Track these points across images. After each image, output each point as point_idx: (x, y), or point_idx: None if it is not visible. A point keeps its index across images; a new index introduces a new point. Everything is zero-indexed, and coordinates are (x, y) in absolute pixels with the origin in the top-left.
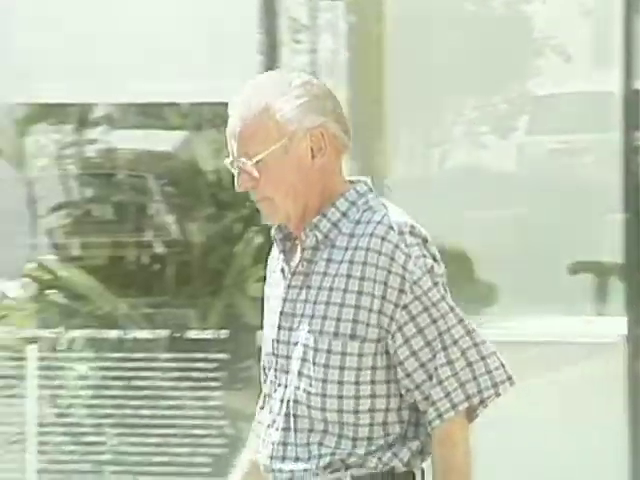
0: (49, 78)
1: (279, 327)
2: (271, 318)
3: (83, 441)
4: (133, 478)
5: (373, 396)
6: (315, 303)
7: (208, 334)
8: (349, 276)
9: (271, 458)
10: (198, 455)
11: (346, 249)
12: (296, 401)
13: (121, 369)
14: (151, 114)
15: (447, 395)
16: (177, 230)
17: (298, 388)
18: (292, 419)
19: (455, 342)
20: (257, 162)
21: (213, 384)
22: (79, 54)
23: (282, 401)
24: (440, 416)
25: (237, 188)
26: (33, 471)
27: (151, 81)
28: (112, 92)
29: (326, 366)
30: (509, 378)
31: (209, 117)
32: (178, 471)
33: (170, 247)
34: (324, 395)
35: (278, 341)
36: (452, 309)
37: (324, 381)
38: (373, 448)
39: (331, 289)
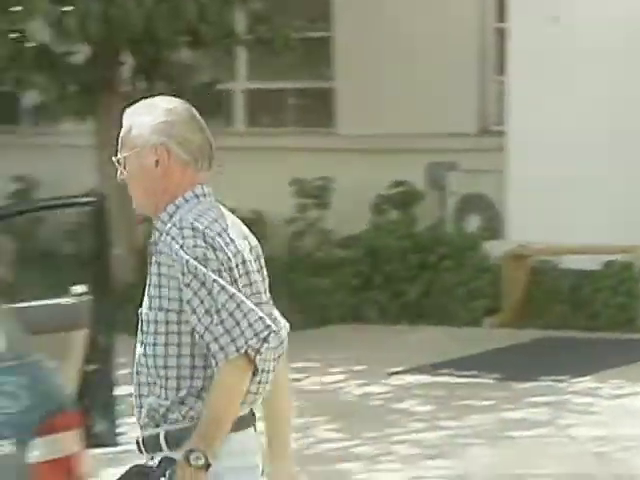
0: None
1: (141, 305)
2: None
3: None
4: None
5: (179, 356)
6: (149, 286)
7: None
8: (158, 263)
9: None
10: None
11: (161, 242)
12: (137, 362)
13: None
14: None
15: (222, 349)
16: None
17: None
18: (135, 376)
19: (223, 305)
20: (121, 161)
21: None
22: None
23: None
24: (217, 364)
25: (118, 178)
26: None
27: None
28: None
29: (147, 333)
30: (267, 327)
31: None
32: None
33: None
34: (144, 355)
35: (140, 316)
36: (215, 281)
37: (147, 344)
38: (182, 394)
39: (152, 274)
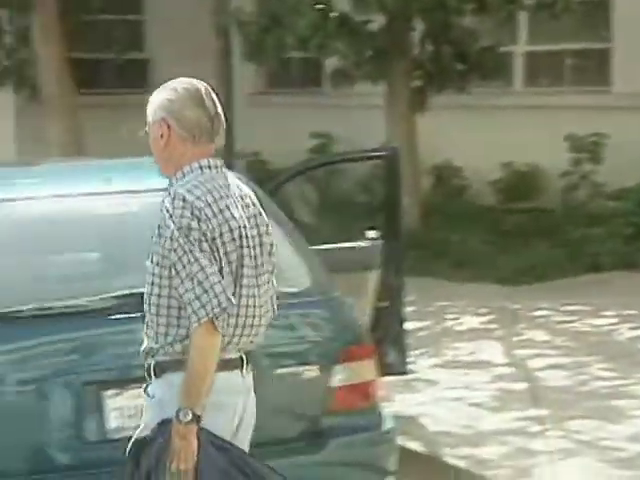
0: None
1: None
2: None
3: None
4: None
5: (169, 307)
6: (152, 239)
7: None
8: (158, 224)
9: None
10: None
11: (161, 207)
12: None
13: None
14: None
15: (194, 312)
16: None
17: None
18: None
19: (195, 275)
20: (146, 131)
21: None
22: None
23: None
24: (191, 326)
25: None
26: None
27: None
28: None
29: (147, 282)
30: (228, 299)
31: None
32: None
33: None
34: (145, 301)
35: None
36: (192, 252)
37: (146, 293)
38: (170, 339)
39: (155, 231)
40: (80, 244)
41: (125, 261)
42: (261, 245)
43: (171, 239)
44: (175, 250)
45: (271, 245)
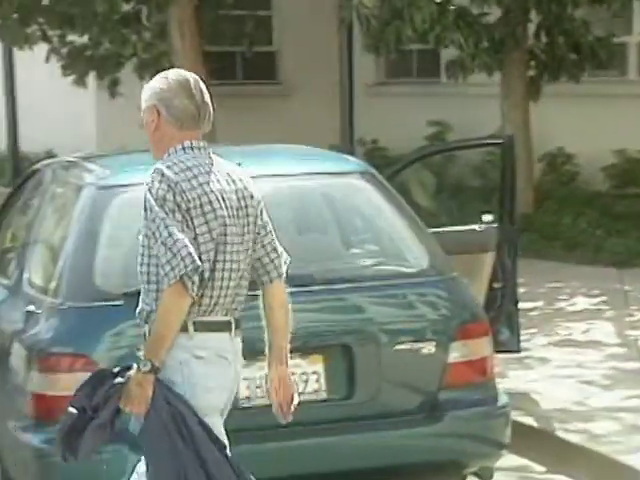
0: None
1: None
2: None
3: None
4: None
5: (157, 274)
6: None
7: None
8: (144, 197)
9: None
10: None
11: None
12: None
13: None
14: None
15: (165, 275)
16: None
17: None
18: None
19: (165, 240)
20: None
21: None
22: None
23: None
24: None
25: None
26: None
27: None
28: None
29: (138, 253)
30: (193, 262)
31: None
32: None
33: None
34: (138, 270)
35: None
36: (164, 219)
37: (137, 262)
38: (160, 303)
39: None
40: None
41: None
42: (247, 216)
43: (150, 210)
44: (154, 220)
45: (255, 217)
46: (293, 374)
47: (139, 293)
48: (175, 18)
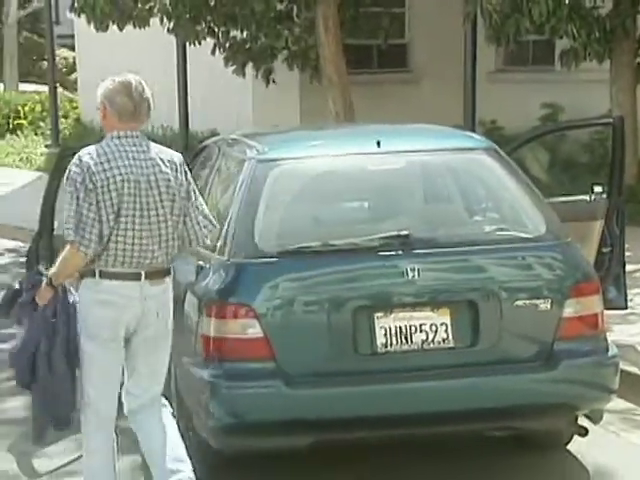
0: None
1: None
2: None
3: None
4: None
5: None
6: None
7: None
8: None
9: None
10: None
11: None
12: None
13: None
14: None
15: (68, 235)
16: None
17: None
18: None
19: (70, 210)
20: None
21: None
22: None
23: None
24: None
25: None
26: None
27: None
28: None
29: None
30: (77, 234)
31: None
32: None
33: None
34: None
35: None
36: (71, 193)
37: None
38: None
39: None
40: (358, 194)
41: (391, 208)
42: (163, 193)
43: (65, 187)
44: (66, 193)
45: (174, 195)
46: (424, 325)
47: (292, 252)
48: (321, 15)
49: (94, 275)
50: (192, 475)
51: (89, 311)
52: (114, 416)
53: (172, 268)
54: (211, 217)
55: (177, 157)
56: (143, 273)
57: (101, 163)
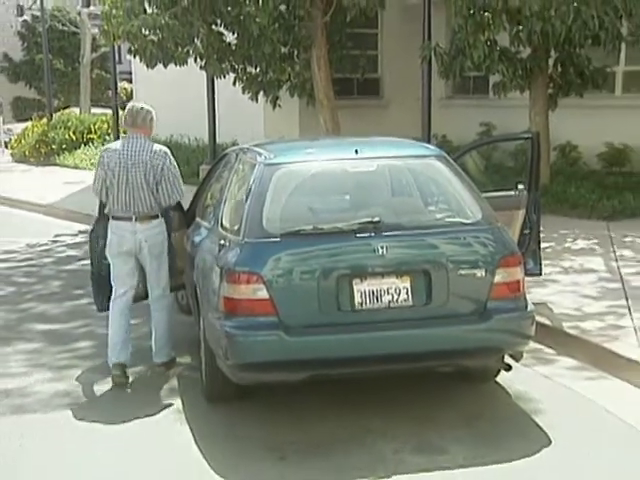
0: None
1: None
2: None
3: None
4: None
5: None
6: None
7: None
8: None
9: None
10: None
11: None
12: None
13: None
14: None
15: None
16: None
17: None
18: None
19: (93, 176)
20: None
21: None
22: None
23: None
24: None
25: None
26: None
27: None
28: None
29: None
30: (95, 189)
31: None
32: None
33: None
34: None
35: None
36: (95, 172)
37: None
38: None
39: None
40: (342, 190)
41: (366, 201)
42: (141, 170)
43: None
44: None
45: (151, 170)
46: (390, 289)
47: (291, 233)
48: (315, 56)
49: (109, 218)
50: (166, 353)
51: (109, 237)
52: (125, 299)
53: (159, 214)
54: (178, 189)
55: (163, 150)
56: (134, 217)
57: (107, 150)
